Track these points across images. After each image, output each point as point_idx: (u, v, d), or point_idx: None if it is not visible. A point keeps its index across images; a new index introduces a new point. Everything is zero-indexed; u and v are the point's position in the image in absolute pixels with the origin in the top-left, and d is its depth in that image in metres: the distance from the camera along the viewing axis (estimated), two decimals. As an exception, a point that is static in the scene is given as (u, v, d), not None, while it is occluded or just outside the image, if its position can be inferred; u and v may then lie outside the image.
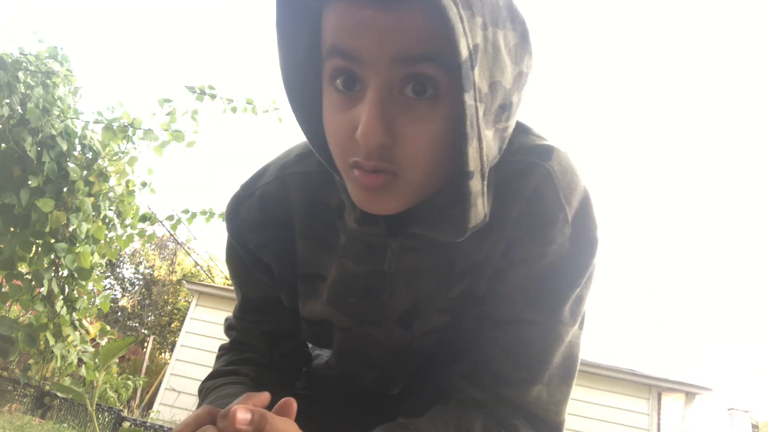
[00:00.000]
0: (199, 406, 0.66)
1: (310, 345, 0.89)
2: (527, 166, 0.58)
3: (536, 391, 0.61)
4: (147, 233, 3.47)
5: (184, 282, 9.30)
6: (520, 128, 0.63)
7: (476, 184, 0.49)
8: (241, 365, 0.76)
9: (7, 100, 2.66)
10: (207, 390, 0.73)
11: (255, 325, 0.79)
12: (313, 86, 0.56)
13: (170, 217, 3.27)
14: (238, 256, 0.75)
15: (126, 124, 3.07)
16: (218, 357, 0.82)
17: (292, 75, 0.55)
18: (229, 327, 0.83)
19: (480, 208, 0.52)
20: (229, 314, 0.84)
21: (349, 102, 0.50)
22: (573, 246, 0.59)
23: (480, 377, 0.63)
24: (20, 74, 2.70)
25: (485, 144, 0.48)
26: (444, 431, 0.59)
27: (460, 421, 0.61)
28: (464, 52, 0.43)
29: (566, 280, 0.60)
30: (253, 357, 0.78)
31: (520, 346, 0.62)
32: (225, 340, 0.86)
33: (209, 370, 0.80)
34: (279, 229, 0.70)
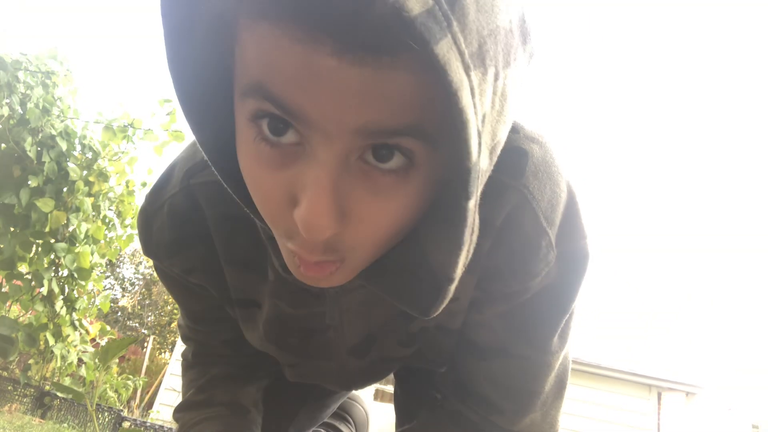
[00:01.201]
0: None
1: None
2: (495, 187, 0.45)
3: (529, 420, 0.58)
4: (147, 233, 3.47)
5: (184, 282, 9.27)
6: None
7: (454, 285, 0.40)
8: (213, 390, 0.71)
9: (7, 100, 2.66)
10: (184, 427, 0.69)
11: (211, 336, 0.73)
12: (216, 86, 0.39)
13: (170, 217, 3.27)
14: (168, 276, 0.65)
15: (126, 124, 3.07)
16: (184, 369, 0.77)
17: (183, 64, 0.37)
18: (185, 337, 0.75)
19: (451, 295, 0.42)
20: (181, 321, 0.76)
21: (282, 158, 0.35)
22: (561, 269, 0.50)
23: (468, 400, 0.60)
24: (20, 74, 2.70)
25: (475, 231, 0.38)
26: None
27: None
28: (474, 150, 0.30)
29: (555, 310, 0.53)
30: (221, 372, 0.73)
31: (509, 379, 0.57)
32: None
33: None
34: (201, 249, 0.59)
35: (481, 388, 0.58)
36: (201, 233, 0.58)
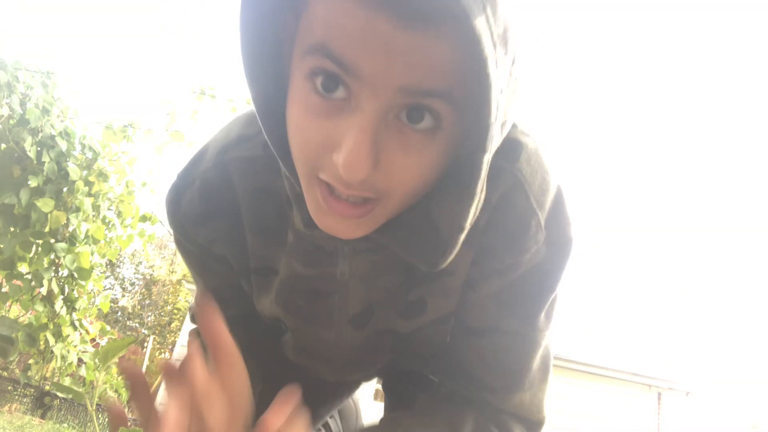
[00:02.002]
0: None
1: None
2: (492, 169, 0.50)
3: (518, 398, 0.61)
4: (147, 233, 3.47)
5: (184, 282, 9.30)
6: None
7: (464, 234, 0.46)
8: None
9: (7, 100, 2.66)
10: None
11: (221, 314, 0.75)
12: (276, 52, 0.45)
13: (170, 217, 3.27)
14: (188, 250, 0.69)
15: (126, 124, 3.07)
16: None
17: (252, 27, 0.43)
18: (194, 318, 0.77)
19: (458, 247, 0.48)
20: (193, 303, 0.78)
21: (329, 110, 0.41)
22: (548, 250, 0.56)
23: (460, 380, 0.63)
24: (20, 74, 2.71)
25: (484, 190, 0.45)
26: (435, 431, 0.59)
27: (452, 418, 0.60)
28: (494, 110, 0.38)
29: (543, 287, 0.58)
30: None
31: (499, 356, 0.60)
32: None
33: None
34: (227, 220, 0.64)
35: (472, 367, 0.62)
36: (229, 207, 0.63)
